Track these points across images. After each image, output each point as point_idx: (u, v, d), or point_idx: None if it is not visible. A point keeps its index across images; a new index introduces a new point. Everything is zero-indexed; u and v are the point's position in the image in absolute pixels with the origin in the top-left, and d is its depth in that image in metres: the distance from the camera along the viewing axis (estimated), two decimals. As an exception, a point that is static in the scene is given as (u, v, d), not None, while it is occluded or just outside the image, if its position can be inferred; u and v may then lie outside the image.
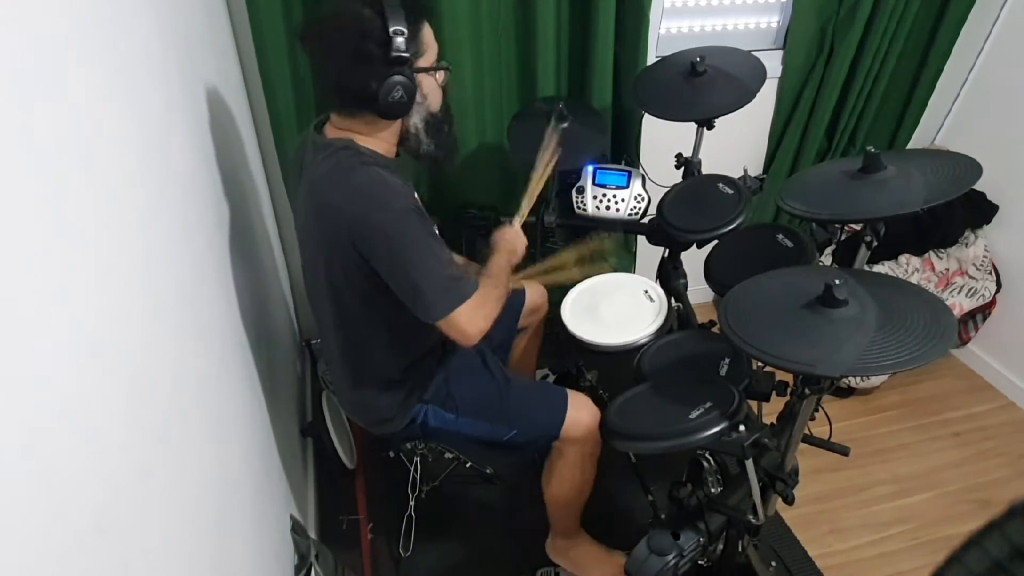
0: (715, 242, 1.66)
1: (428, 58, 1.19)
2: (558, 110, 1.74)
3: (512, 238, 1.46)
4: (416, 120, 1.23)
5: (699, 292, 2.42)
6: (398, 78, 1.12)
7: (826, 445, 1.36)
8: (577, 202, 1.90)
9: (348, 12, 1.12)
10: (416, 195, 1.29)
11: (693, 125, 1.80)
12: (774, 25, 2.23)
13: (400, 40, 1.11)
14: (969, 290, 2.30)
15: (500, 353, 1.70)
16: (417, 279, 1.17)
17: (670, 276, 1.93)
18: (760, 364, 1.24)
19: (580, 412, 1.45)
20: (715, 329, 1.61)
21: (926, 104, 2.38)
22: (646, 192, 1.90)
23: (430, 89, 1.22)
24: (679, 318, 1.87)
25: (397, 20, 1.10)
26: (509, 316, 1.73)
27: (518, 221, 1.52)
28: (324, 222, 1.21)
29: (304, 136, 1.31)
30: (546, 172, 1.58)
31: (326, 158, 1.20)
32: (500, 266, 1.39)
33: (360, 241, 1.16)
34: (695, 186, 1.79)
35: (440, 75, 1.24)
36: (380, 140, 1.23)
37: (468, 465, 1.90)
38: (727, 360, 1.38)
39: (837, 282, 1.01)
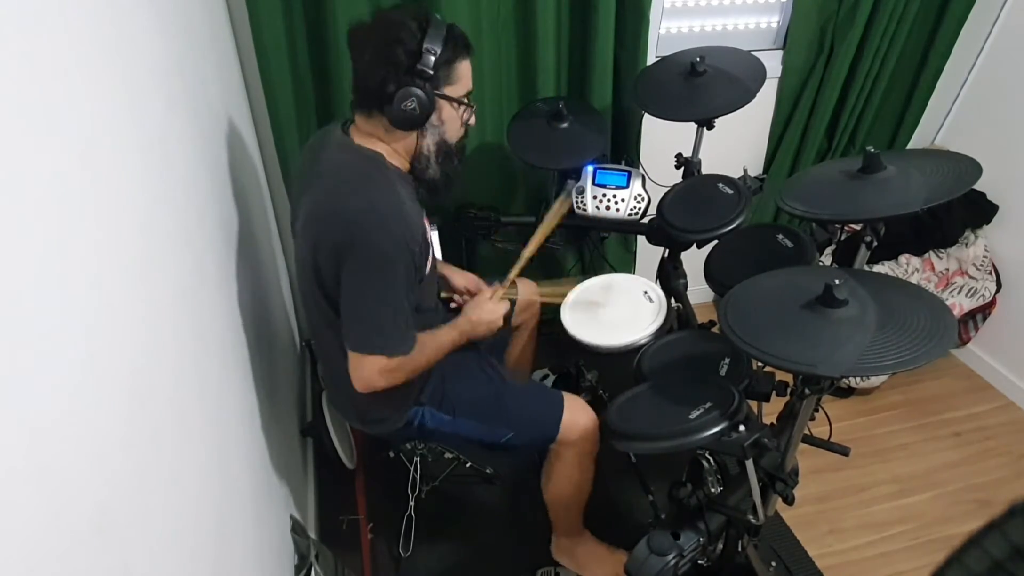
0: (715, 242, 1.66)
1: (457, 90, 1.23)
2: (568, 187, 1.73)
3: (487, 316, 1.43)
4: (429, 142, 1.26)
5: (699, 292, 2.42)
6: (416, 90, 1.16)
7: (826, 445, 1.36)
8: (577, 202, 1.90)
9: (394, 18, 1.17)
10: (426, 220, 1.31)
11: (693, 125, 1.80)
12: (774, 25, 2.23)
13: (430, 58, 1.15)
14: (969, 290, 2.30)
15: (496, 353, 1.70)
16: (361, 310, 1.20)
17: (670, 276, 1.93)
18: (760, 364, 1.24)
19: (576, 415, 1.46)
20: (715, 329, 1.61)
21: (926, 104, 2.38)
22: (646, 192, 1.90)
23: (450, 119, 1.25)
24: (679, 318, 1.87)
25: (434, 40, 1.15)
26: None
27: (501, 291, 1.52)
28: (329, 223, 1.20)
29: (325, 131, 1.33)
30: (542, 237, 1.61)
31: (354, 161, 1.23)
32: (449, 340, 1.37)
33: (345, 249, 1.17)
34: (695, 186, 1.79)
35: (464, 112, 1.27)
36: (397, 153, 1.26)
37: (468, 465, 1.90)
38: (727, 360, 1.38)
39: (837, 282, 1.01)
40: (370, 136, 1.24)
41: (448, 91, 1.22)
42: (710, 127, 1.78)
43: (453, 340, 1.38)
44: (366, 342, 1.22)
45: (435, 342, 1.34)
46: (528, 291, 1.78)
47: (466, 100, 1.27)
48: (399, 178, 1.25)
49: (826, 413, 1.47)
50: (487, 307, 1.45)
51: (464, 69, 1.23)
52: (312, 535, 1.62)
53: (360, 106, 1.24)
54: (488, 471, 1.94)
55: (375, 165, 1.23)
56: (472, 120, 1.32)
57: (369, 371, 1.23)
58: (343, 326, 1.22)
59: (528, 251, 1.58)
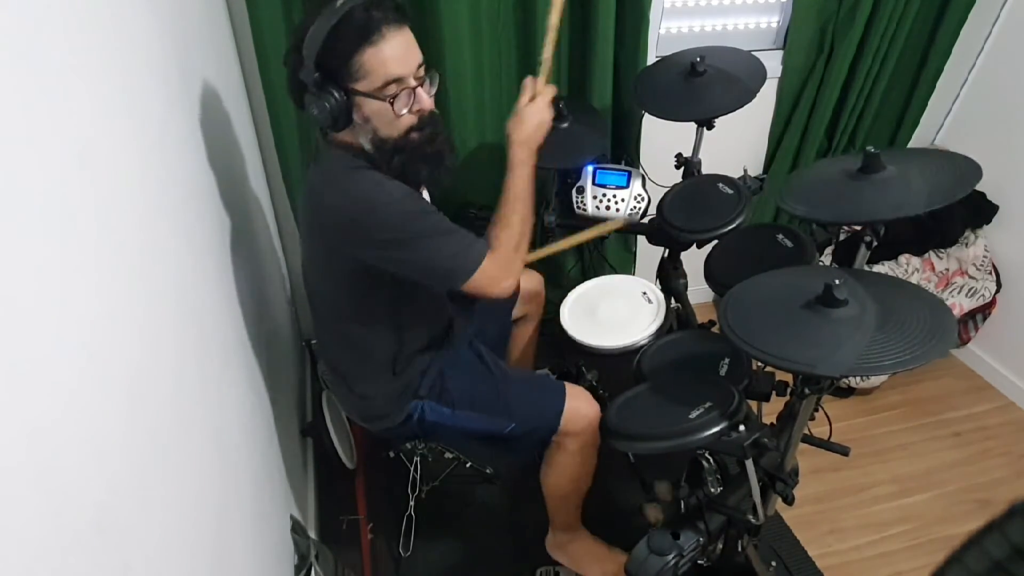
0: (715, 242, 1.66)
1: (368, 83, 1.11)
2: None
3: (531, 128, 1.27)
4: (363, 141, 1.18)
5: (699, 292, 2.41)
6: (313, 99, 1.11)
7: (826, 445, 1.36)
8: (577, 202, 1.90)
9: (301, 22, 1.13)
10: (424, 191, 1.29)
11: (693, 125, 1.80)
12: (774, 25, 2.23)
13: (310, 63, 1.08)
14: (969, 290, 2.29)
15: (499, 347, 1.70)
16: (426, 261, 1.19)
17: (670, 276, 1.93)
18: (760, 364, 1.24)
19: (578, 403, 1.45)
20: (715, 329, 1.61)
21: (926, 104, 2.38)
22: (646, 192, 1.90)
23: (375, 114, 1.14)
24: (679, 318, 1.87)
25: (312, 44, 1.07)
26: (503, 306, 1.73)
27: (541, 82, 1.32)
28: (324, 222, 1.22)
29: (315, 140, 1.32)
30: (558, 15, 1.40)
31: (334, 161, 1.21)
32: (521, 188, 1.27)
33: (361, 241, 1.17)
34: (695, 186, 1.79)
35: (392, 104, 1.13)
36: (358, 147, 1.21)
37: (468, 465, 1.90)
38: (727, 360, 1.38)
39: (837, 282, 1.01)
40: (336, 136, 1.22)
41: (359, 87, 1.11)
42: (710, 127, 1.78)
43: (522, 178, 1.28)
44: (456, 279, 1.20)
45: (513, 200, 1.27)
46: (531, 282, 1.78)
47: (386, 92, 1.12)
48: (372, 160, 1.21)
49: (826, 413, 1.47)
50: (528, 115, 1.28)
51: (370, 59, 1.09)
52: (312, 535, 1.62)
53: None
54: (488, 471, 1.94)
55: (352, 158, 1.20)
56: (418, 105, 1.16)
57: (488, 284, 1.21)
58: (433, 285, 1.24)
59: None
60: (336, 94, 1.11)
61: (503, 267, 1.23)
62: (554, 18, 1.33)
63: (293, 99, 1.19)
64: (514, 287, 1.25)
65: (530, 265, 1.84)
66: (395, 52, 1.11)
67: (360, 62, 1.09)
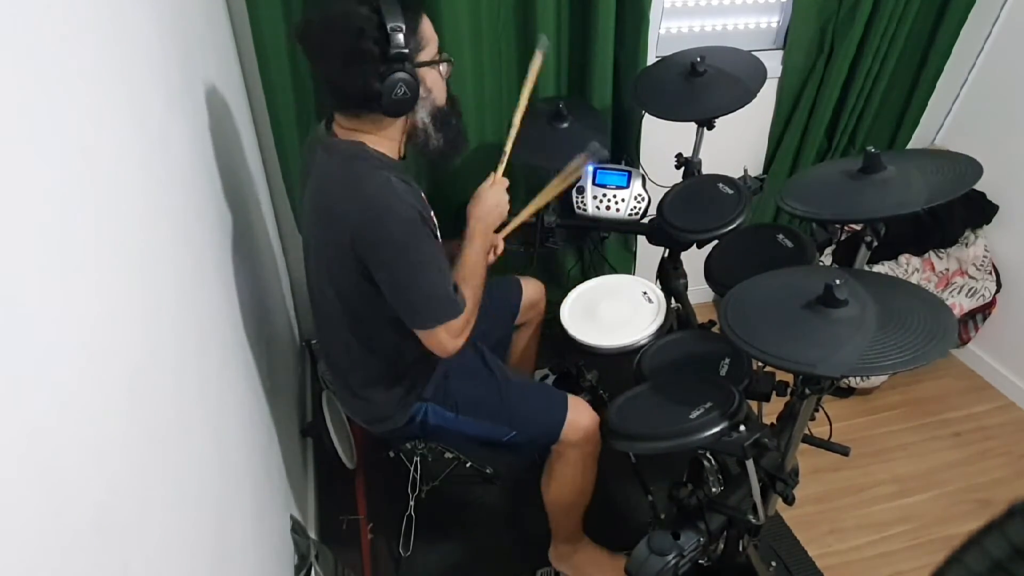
0: (715, 242, 1.66)
1: (429, 51, 1.18)
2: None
3: (492, 202, 1.37)
4: (423, 115, 1.22)
5: (699, 292, 2.42)
6: (400, 75, 1.11)
7: (826, 445, 1.36)
8: (577, 202, 1.90)
9: (344, 11, 1.10)
10: (423, 196, 1.29)
11: (693, 125, 1.80)
12: (774, 25, 2.23)
13: (399, 36, 1.09)
14: (969, 290, 2.29)
15: (499, 350, 1.70)
16: (409, 292, 1.21)
17: (670, 276, 1.93)
18: (760, 364, 1.24)
19: (579, 416, 1.46)
20: (715, 329, 1.61)
21: (926, 104, 2.38)
22: (646, 192, 1.90)
23: (434, 83, 1.21)
24: (679, 318, 1.87)
25: (394, 16, 1.08)
26: (506, 312, 1.74)
27: (496, 174, 1.42)
28: (332, 226, 1.20)
29: (314, 133, 1.31)
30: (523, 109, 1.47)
31: (337, 161, 1.20)
32: (475, 262, 1.34)
33: (363, 248, 1.17)
34: (695, 186, 1.79)
35: (443, 67, 1.22)
36: (386, 139, 1.23)
37: (468, 465, 1.90)
38: (727, 360, 1.38)
39: (837, 282, 1.01)
40: (353, 131, 1.21)
41: (423, 57, 1.16)
42: (710, 127, 1.78)
43: (477, 251, 1.34)
44: (424, 320, 1.23)
45: (468, 269, 1.32)
46: (534, 291, 1.78)
47: (442, 55, 1.21)
48: (384, 164, 1.21)
49: (826, 413, 1.47)
50: (487, 196, 1.38)
51: (427, 27, 1.17)
52: (312, 535, 1.62)
53: (343, 108, 1.20)
54: (488, 471, 1.94)
55: (357, 157, 1.20)
56: (450, 67, 1.25)
57: (440, 341, 1.24)
58: (399, 312, 1.23)
59: (515, 124, 1.48)
60: (411, 71, 1.12)
61: (461, 333, 1.27)
62: (517, 118, 1.45)
63: (359, 91, 1.12)
64: (454, 353, 1.27)
65: (532, 271, 1.84)
66: (431, 22, 1.19)
67: (424, 30, 1.16)
